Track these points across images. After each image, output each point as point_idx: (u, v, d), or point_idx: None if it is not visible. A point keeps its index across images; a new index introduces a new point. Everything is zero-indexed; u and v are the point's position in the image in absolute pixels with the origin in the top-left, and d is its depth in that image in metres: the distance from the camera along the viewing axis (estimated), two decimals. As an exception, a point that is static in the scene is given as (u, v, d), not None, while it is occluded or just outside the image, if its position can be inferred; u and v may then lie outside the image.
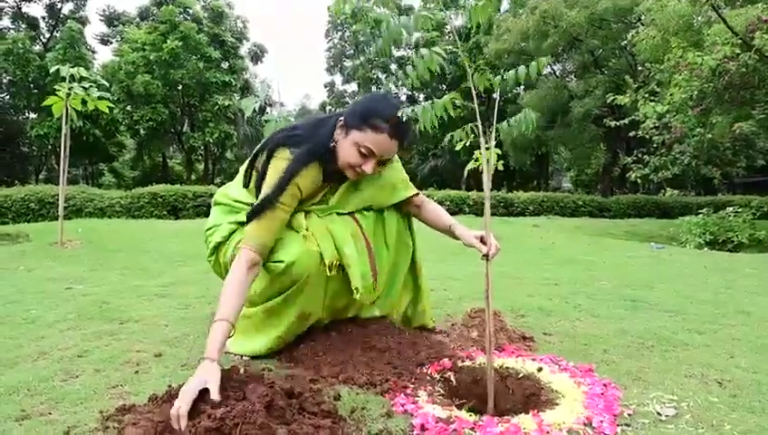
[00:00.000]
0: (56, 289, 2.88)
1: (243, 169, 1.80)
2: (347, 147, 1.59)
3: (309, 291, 1.60)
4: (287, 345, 1.70)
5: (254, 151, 1.71)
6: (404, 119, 1.33)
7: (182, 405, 1.12)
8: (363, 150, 1.57)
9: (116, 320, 2.17)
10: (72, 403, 1.32)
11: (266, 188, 1.57)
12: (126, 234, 6.12)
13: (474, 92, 1.27)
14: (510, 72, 1.26)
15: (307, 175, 1.61)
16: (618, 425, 1.22)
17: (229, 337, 1.41)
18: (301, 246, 1.58)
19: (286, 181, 1.56)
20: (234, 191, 1.83)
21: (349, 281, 1.63)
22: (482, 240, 1.54)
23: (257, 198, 1.60)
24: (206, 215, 1.93)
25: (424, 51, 1.23)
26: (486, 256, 1.42)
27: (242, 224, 1.70)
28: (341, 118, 1.63)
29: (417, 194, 1.88)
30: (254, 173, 1.72)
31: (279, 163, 1.59)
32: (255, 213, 1.54)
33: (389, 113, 1.51)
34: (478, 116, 1.27)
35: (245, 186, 1.76)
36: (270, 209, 1.54)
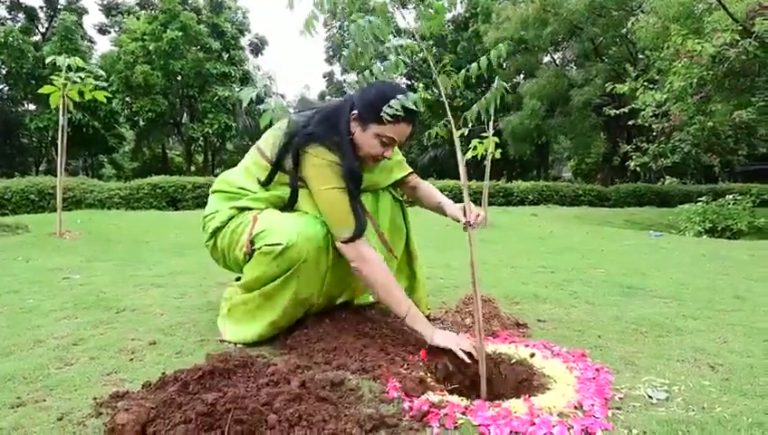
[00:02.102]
0: (53, 279, 2.90)
1: (251, 163, 1.79)
2: (369, 139, 1.64)
3: (305, 275, 1.61)
4: (281, 333, 1.71)
5: (278, 154, 1.70)
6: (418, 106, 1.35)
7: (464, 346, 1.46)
8: (385, 140, 1.63)
9: (112, 309, 2.18)
10: (66, 390, 1.33)
11: (326, 185, 1.62)
12: (125, 225, 6.13)
13: (443, 93, 1.28)
14: (473, 64, 1.26)
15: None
16: (609, 408, 1.22)
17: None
18: (298, 228, 1.59)
19: (357, 187, 1.65)
20: (239, 180, 1.81)
21: (348, 269, 1.64)
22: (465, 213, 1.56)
23: (291, 197, 1.69)
24: (206, 205, 1.93)
25: (386, 62, 1.26)
26: (468, 224, 1.42)
27: (240, 209, 1.73)
28: (354, 112, 1.64)
29: (412, 173, 1.93)
30: (278, 173, 1.71)
31: (320, 162, 1.63)
32: (353, 238, 1.60)
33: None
34: (449, 113, 1.28)
35: (265, 184, 1.74)
36: (345, 198, 1.62)
